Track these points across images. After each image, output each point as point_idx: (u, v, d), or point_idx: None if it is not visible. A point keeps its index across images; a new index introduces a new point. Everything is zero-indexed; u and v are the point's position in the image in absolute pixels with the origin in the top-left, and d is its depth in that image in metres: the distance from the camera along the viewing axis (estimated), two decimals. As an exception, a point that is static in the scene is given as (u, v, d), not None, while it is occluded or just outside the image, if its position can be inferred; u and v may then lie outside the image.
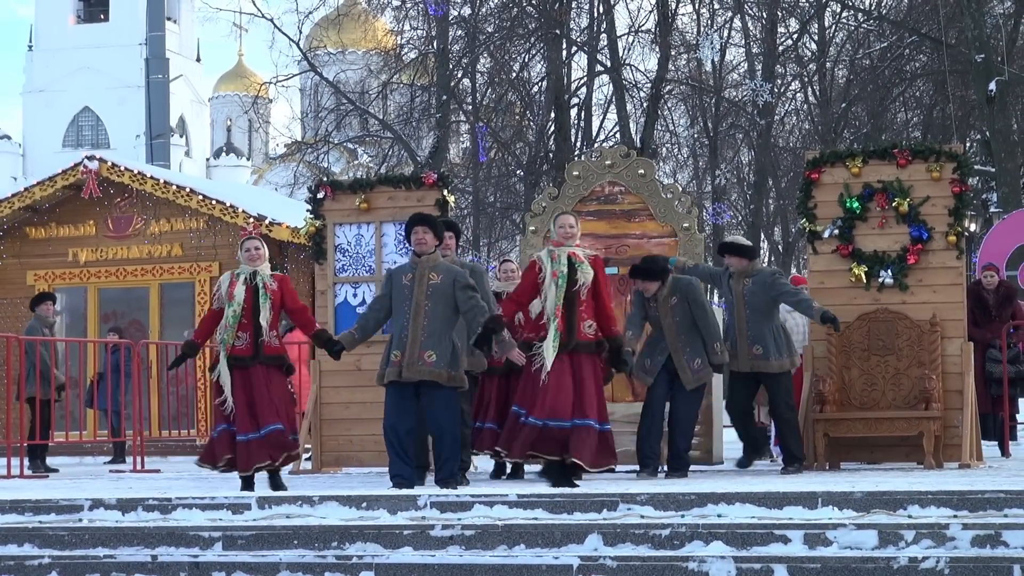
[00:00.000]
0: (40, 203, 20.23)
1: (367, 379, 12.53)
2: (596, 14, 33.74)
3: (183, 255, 19.92)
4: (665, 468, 11.02)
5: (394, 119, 37.18)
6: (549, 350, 9.50)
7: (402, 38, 35.36)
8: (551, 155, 32.55)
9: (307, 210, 13.49)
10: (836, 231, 11.94)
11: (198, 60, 78.63)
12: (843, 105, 35.84)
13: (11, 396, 15.51)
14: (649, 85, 34.42)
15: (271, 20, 37.53)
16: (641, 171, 12.92)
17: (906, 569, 7.21)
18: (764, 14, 35.26)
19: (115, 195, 20.08)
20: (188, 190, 19.66)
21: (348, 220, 13.24)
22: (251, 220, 18.95)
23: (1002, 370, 13.81)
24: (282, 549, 8.16)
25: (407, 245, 10.40)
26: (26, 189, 20.46)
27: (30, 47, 74.53)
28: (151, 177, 19.91)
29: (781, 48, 35.55)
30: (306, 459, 12.96)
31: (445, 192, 12.99)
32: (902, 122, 37.72)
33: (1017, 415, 15.61)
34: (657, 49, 34.06)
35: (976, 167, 27.95)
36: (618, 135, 33.97)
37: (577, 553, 7.71)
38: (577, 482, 9.53)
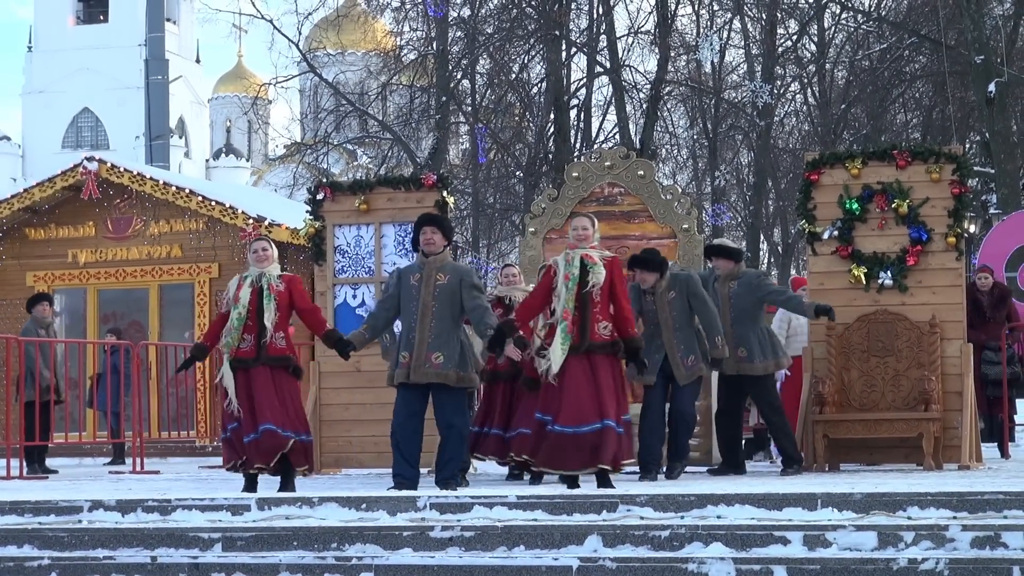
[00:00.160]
0: (39, 204, 20.24)
1: (366, 380, 12.57)
2: (595, 15, 33.72)
3: (182, 256, 19.92)
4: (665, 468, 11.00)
5: (393, 120, 37.13)
6: (557, 352, 9.38)
7: (401, 39, 35.31)
8: (550, 156, 32.53)
9: (306, 211, 13.49)
10: (836, 232, 11.93)
11: (197, 61, 78.69)
12: (843, 106, 35.85)
13: (10, 398, 15.51)
14: (648, 86, 34.41)
15: (270, 21, 37.50)
16: (640, 172, 12.93)
17: (906, 570, 7.21)
18: (763, 15, 35.27)
19: (114, 196, 20.09)
20: (187, 191, 19.67)
21: (347, 221, 13.23)
22: (251, 221, 18.95)
23: (997, 372, 13.82)
24: (282, 550, 8.15)
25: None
26: (25, 190, 20.49)
27: (29, 48, 74.60)
28: (150, 178, 19.92)
29: (780, 49, 35.55)
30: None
31: (444, 193, 12.99)
32: (902, 123, 37.72)
33: (1015, 416, 15.61)
34: (656, 50, 34.03)
35: (975, 168, 27.89)
36: (617, 136, 33.94)
37: (577, 554, 7.70)
38: (607, 483, 9.39)
